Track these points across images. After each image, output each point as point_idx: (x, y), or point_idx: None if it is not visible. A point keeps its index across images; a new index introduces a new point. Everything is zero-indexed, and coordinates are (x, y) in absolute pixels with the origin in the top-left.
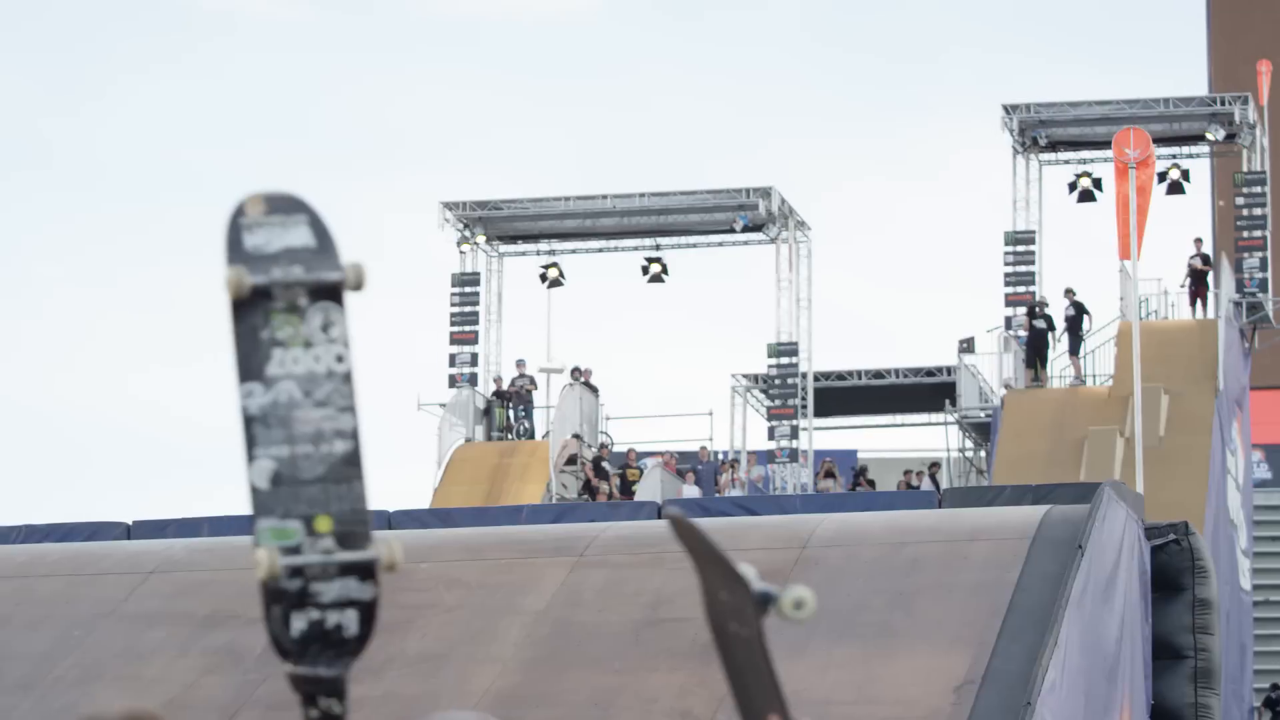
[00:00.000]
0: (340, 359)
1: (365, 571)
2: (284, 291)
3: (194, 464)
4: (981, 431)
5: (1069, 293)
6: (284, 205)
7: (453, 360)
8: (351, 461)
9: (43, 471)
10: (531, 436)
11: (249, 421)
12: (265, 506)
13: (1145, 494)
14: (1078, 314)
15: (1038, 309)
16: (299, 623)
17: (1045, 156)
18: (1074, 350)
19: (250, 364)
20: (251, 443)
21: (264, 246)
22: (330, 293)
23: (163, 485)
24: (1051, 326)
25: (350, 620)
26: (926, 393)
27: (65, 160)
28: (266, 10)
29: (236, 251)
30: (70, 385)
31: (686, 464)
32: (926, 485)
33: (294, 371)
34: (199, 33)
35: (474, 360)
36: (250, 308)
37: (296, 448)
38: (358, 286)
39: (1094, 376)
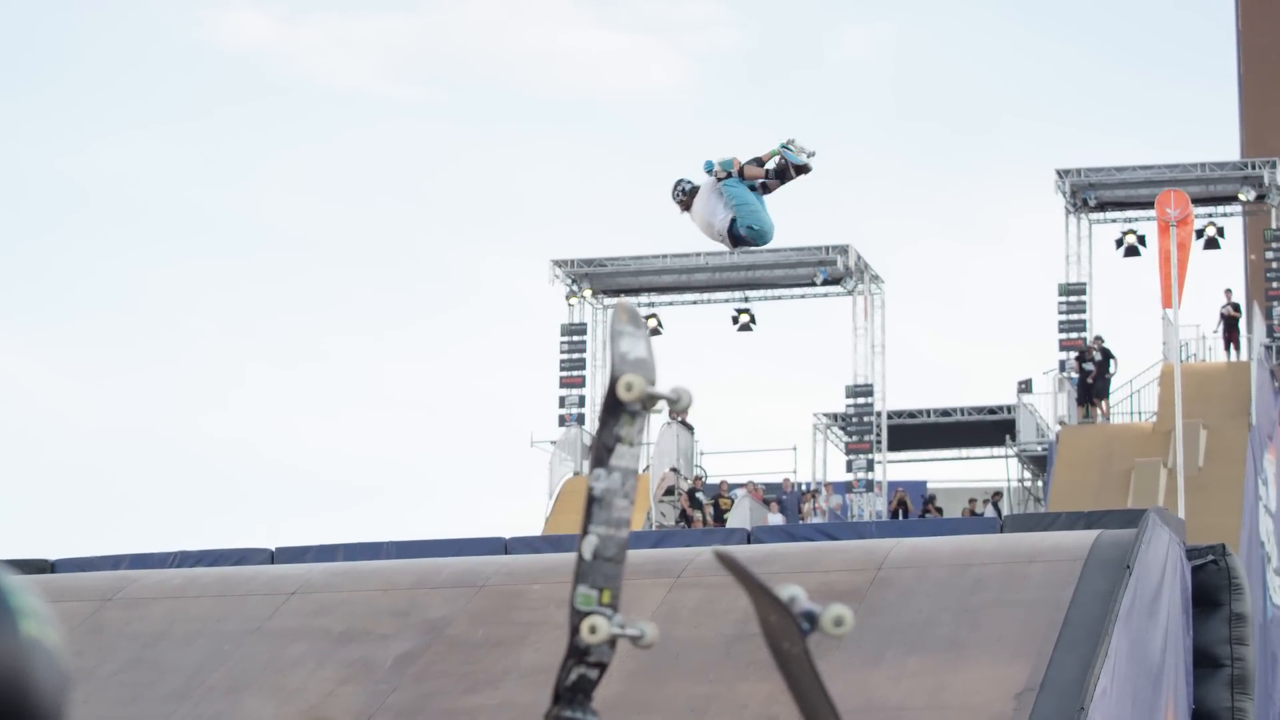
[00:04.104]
0: (637, 460)
1: (614, 641)
2: (645, 400)
3: (331, 496)
4: (1039, 463)
5: (1098, 340)
6: (635, 319)
7: (562, 402)
8: (625, 548)
9: (195, 503)
10: None
11: (591, 501)
12: (583, 575)
13: (1186, 519)
14: (1104, 359)
15: (1087, 354)
16: (573, 674)
17: (1094, 216)
18: (1103, 393)
19: (603, 453)
20: (588, 519)
21: (628, 354)
22: (649, 404)
23: (303, 515)
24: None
25: (595, 676)
26: (989, 429)
27: (212, 222)
28: (392, 91)
29: (615, 354)
30: (218, 425)
31: (772, 494)
32: (989, 512)
33: (621, 465)
34: (333, 110)
35: (582, 402)
36: (616, 406)
37: (609, 529)
38: (685, 409)
39: (1139, 413)
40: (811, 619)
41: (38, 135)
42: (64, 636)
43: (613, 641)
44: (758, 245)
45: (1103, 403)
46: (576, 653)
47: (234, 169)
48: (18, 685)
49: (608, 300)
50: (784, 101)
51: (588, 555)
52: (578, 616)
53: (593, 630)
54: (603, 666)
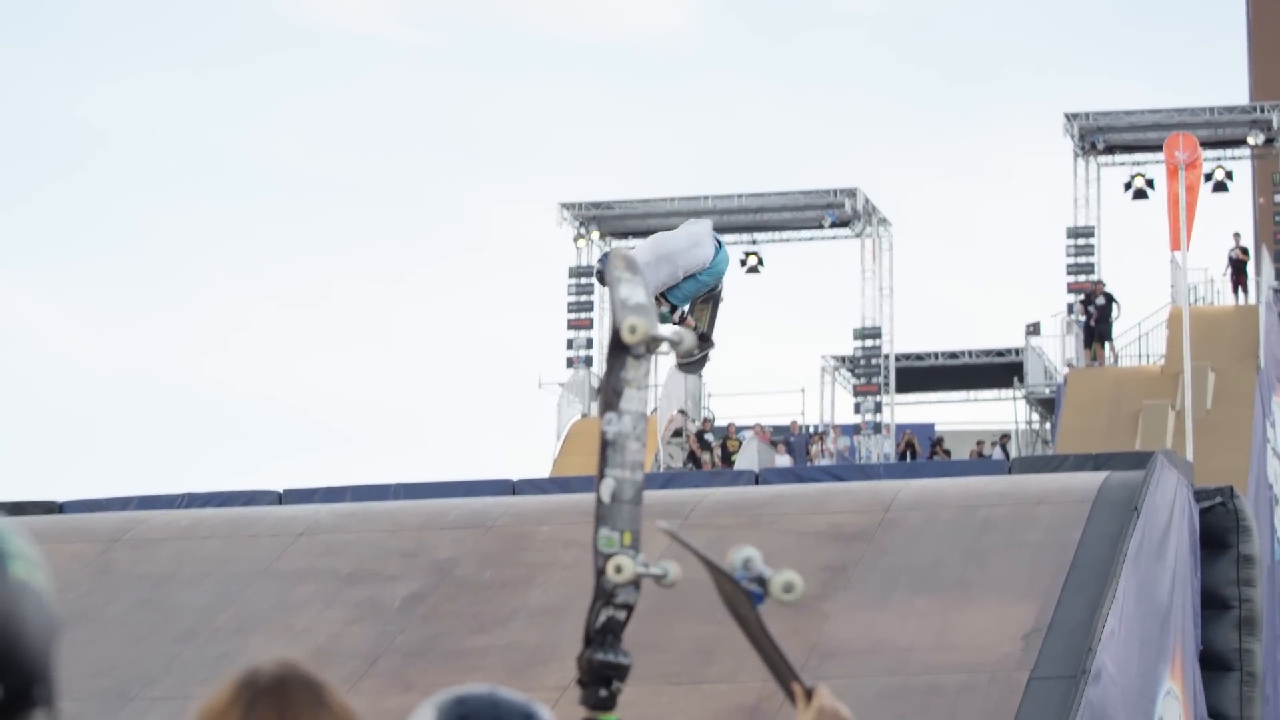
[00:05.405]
0: (645, 403)
1: (638, 582)
2: (648, 342)
3: (338, 438)
4: (1046, 406)
5: (1099, 284)
6: (631, 265)
7: (570, 344)
8: (642, 489)
9: (204, 445)
10: None
11: (605, 445)
12: (604, 518)
13: (1194, 461)
14: (1107, 303)
15: (1091, 297)
16: (602, 616)
17: (1103, 159)
18: (1105, 336)
19: (613, 397)
20: (604, 463)
21: (628, 300)
22: (652, 346)
23: (310, 457)
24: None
25: (623, 617)
26: (997, 371)
27: (223, 166)
28: (402, 35)
29: (615, 300)
30: (227, 367)
31: (779, 436)
32: (997, 454)
33: (631, 409)
34: (344, 55)
35: (589, 344)
36: (621, 350)
37: (625, 472)
38: (688, 351)
39: (1147, 356)
40: (764, 584)
41: (54, 80)
42: (53, 580)
43: (637, 582)
44: (718, 269)
45: (1107, 346)
46: (603, 594)
47: (245, 114)
48: (6, 627)
49: (616, 242)
50: (791, 46)
51: (606, 498)
52: (602, 559)
53: (618, 570)
54: (629, 608)
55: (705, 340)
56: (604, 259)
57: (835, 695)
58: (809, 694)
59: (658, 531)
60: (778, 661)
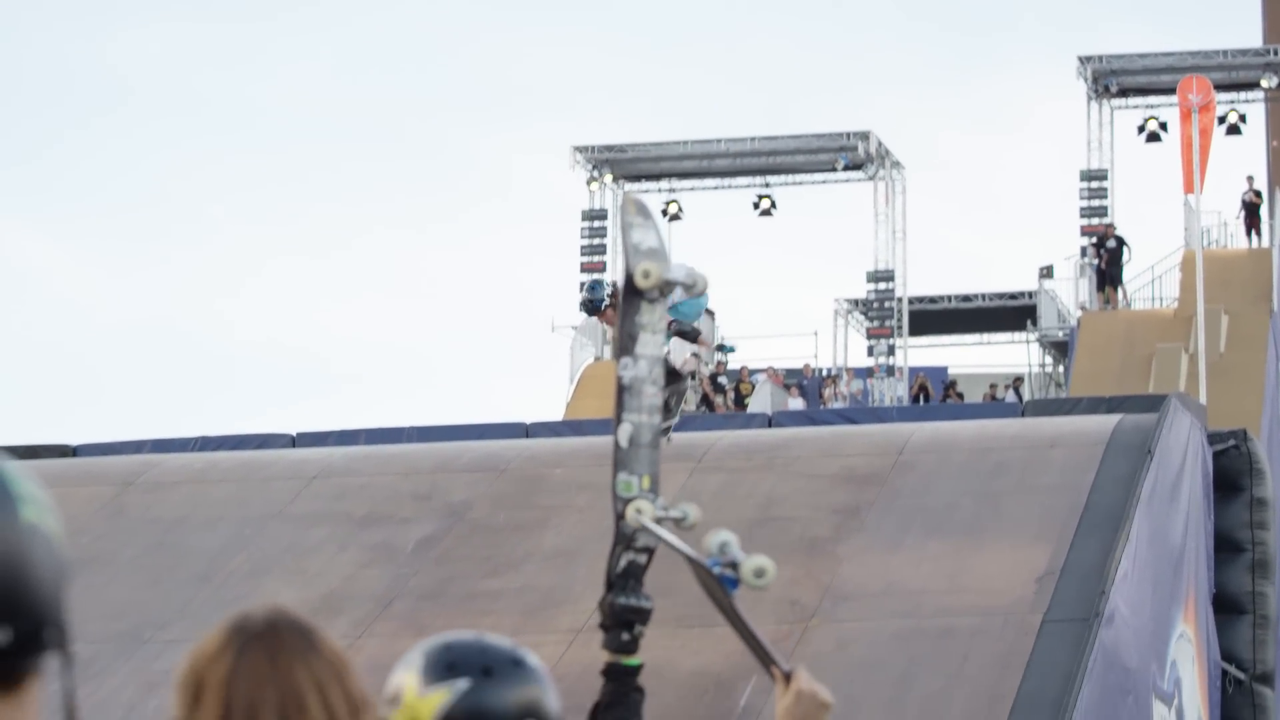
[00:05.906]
0: (661, 346)
1: (656, 524)
2: (661, 286)
3: (352, 381)
4: (1060, 349)
5: (1110, 227)
6: (644, 210)
7: (583, 287)
8: (660, 433)
9: (218, 389)
10: None
11: (621, 390)
12: (622, 462)
13: (1207, 404)
14: (1118, 246)
15: (1103, 241)
16: (622, 560)
17: (1116, 102)
18: (1116, 280)
19: (628, 342)
20: (621, 408)
21: (640, 244)
22: (665, 290)
23: (324, 401)
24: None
25: (643, 560)
26: (1010, 314)
27: (242, 114)
28: None
29: (629, 246)
30: (241, 313)
31: (793, 379)
32: (1010, 397)
33: (646, 353)
34: (364, 5)
35: None
36: (635, 295)
37: (642, 416)
38: (701, 292)
39: (1161, 299)
40: (734, 567)
41: (79, 27)
42: (65, 523)
43: (656, 524)
44: (698, 304)
45: (1118, 289)
46: (624, 539)
47: (267, 63)
48: (16, 571)
49: (629, 186)
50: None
51: (624, 443)
52: (621, 503)
53: (639, 513)
54: (650, 551)
55: (668, 410)
56: (594, 286)
57: (844, 641)
58: (788, 677)
59: (673, 474)
60: (755, 645)
